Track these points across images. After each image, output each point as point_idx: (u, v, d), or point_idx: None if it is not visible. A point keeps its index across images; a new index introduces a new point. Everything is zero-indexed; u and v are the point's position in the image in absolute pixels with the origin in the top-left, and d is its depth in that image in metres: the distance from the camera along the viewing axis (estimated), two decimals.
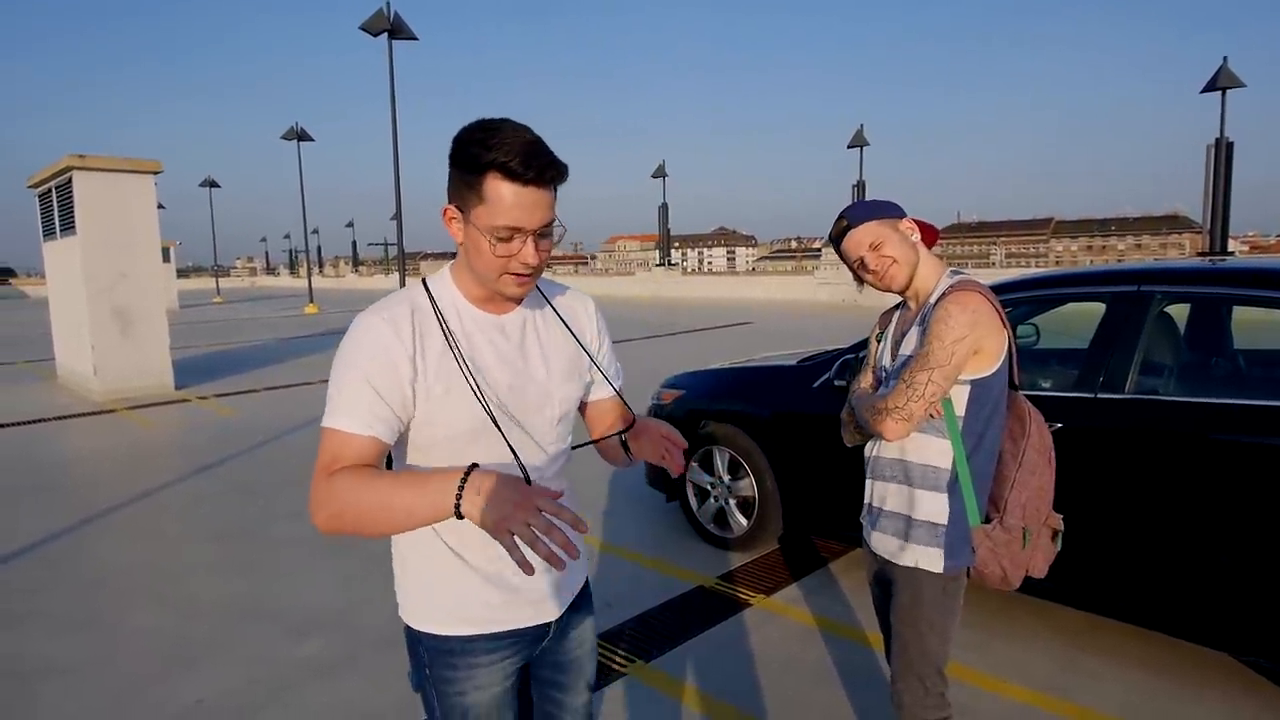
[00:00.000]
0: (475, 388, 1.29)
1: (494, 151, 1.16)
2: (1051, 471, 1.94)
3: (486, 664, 1.40)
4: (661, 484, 4.61)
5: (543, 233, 1.24)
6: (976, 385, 1.83)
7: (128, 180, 9.79)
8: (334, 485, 1.18)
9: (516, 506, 1.06)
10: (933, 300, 1.88)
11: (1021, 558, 1.90)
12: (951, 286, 1.86)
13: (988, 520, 1.90)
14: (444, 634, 1.39)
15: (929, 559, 1.87)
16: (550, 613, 1.46)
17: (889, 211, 1.93)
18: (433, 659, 1.40)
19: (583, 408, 1.58)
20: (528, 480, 1.19)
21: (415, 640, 1.43)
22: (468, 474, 1.13)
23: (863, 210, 1.93)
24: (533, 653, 1.49)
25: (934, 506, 1.87)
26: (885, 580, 2.02)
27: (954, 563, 1.87)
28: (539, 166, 1.18)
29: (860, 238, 1.91)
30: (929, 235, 1.96)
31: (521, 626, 1.42)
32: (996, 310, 1.82)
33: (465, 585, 1.38)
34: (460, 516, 1.12)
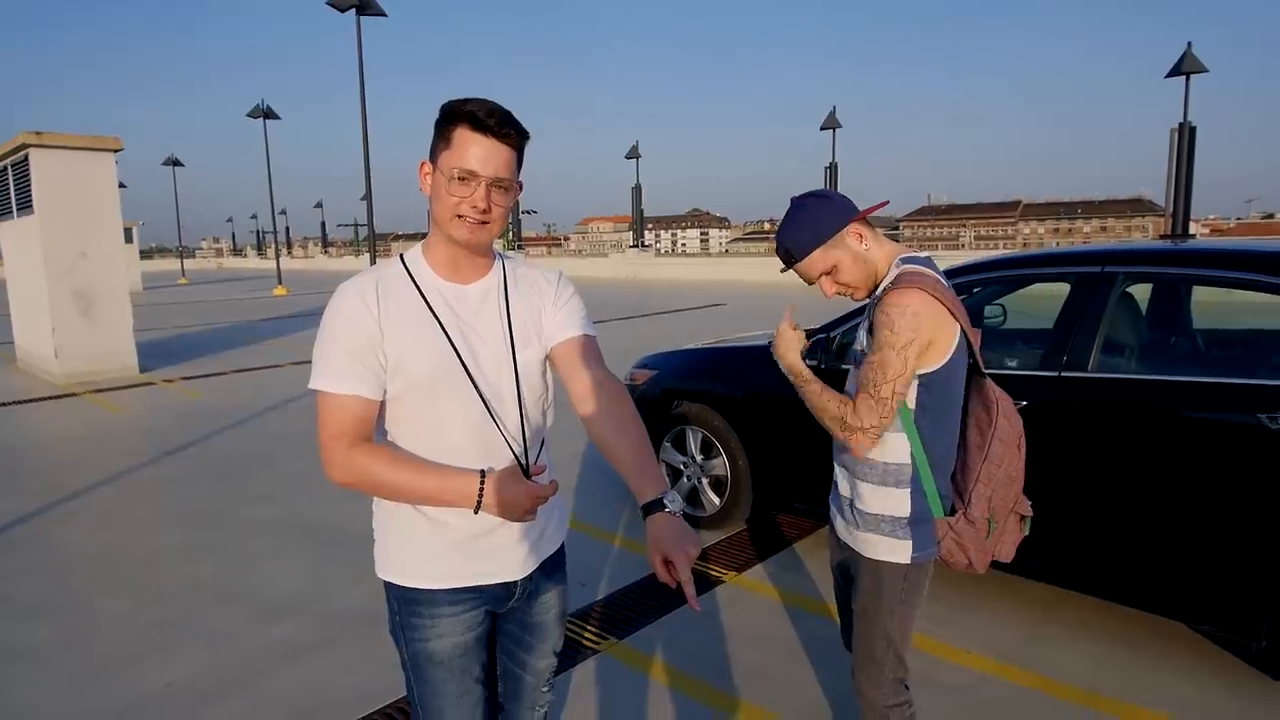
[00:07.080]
0: (443, 327, 1.43)
1: (467, 106, 1.38)
2: (1021, 459, 1.87)
3: (449, 615, 1.53)
4: None
5: (497, 184, 1.40)
6: (925, 378, 1.77)
7: (87, 158, 9.53)
8: (355, 457, 1.38)
9: (518, 507, 1.37)
10: (879, 293, 1.80)
11: (987, 546, 1.87)
12: (894, 281, 1.77)
13: (953, 511, 1.86)
14: (409, 585, 1.53)
15: (893, 551, 1.84)
16: (512, 573, 1.57)
17: (830, 225, 1.80)
18: (401, 607, 1.55)
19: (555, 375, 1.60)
20: (521, 463, 1.49)
21: (389, 590, 1.57)
22: (484, 478, 1.38)
23: (807, 237, 1.81)
24: (499, 609, 1.61)
25: (893, 501, 1.83)
26: (846, 567, 2.02)
27: (920, 555, 1.83)
28: (500, 121, 1.37)
29: (811, 267, 1.84)
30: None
31: (483, 583, 1.54)
32: (943, 302, 1.73)
33: (430, 544, 1.51)
34: (477, 512, 1.39)
